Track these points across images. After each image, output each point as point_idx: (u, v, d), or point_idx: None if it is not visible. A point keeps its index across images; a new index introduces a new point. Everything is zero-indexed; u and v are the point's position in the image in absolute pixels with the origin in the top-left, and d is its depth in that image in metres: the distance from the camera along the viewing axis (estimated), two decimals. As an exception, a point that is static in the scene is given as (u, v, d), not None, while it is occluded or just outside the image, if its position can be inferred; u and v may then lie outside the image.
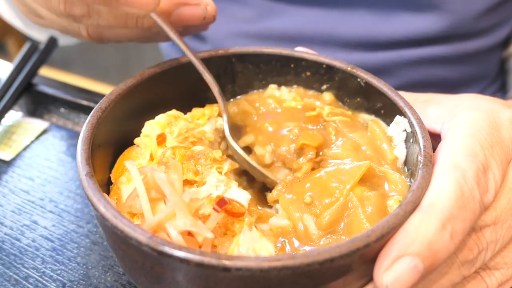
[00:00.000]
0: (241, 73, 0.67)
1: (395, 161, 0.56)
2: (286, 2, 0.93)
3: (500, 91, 1.07)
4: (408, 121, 0.54)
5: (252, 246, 0.47)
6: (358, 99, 0.63)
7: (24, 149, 0.83)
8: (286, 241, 0.52)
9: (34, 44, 0.95)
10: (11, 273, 0.62)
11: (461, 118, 0.52)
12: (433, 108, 0.57)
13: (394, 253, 0.42)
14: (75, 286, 0.61)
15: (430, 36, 0.89)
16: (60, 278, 0.62)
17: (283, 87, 0.67)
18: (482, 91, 1.02)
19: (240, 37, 0.98)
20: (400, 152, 0.56)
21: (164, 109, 0.62)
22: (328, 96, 0.66)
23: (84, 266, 0.63)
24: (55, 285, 0.61)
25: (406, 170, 0.56)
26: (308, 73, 0.65)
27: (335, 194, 0.52)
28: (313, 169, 0.58)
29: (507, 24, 0.95)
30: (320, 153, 0.59)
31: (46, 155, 0.81)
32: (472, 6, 0.87)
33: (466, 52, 0.93)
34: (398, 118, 0.57)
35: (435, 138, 0.54)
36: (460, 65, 0.96)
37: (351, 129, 0.60)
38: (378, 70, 0.91)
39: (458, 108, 0.54)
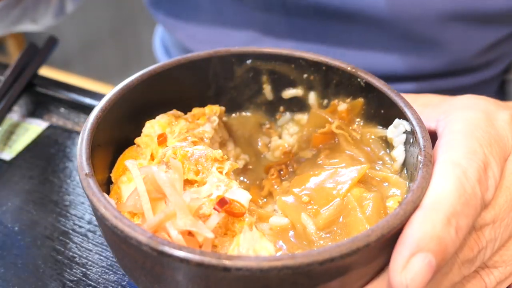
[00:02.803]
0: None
1: (394, 163, 0.56)
2: (282, 36, 0.92)
3: None
4: (408, 121, 0.54)
5: (252, 246, 0.47)
6: (359, 99, 0.63)
7: (24, 149, 0.83)
8: (284, 240, 0.52)
9: (34, 44, 0.95)
10: (11, 273, 0.62)
11: (457, 116, 0.52)
12: (431, 111, 0.57)
13: (407, 252, 0.41)
14: (75, 286, 0.61)
15: (427, 72, 0.89)
16: (60, 278, 0.62)
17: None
18: None
19: None
20: (399, 154, 0.56)
21: (164, 109, 0.62)
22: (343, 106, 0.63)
23: (84, 266, 0.63)
24: (55, 285, 0.61)
25: (405, 172, 0.56)
26: (308, 73, 0.65)
27: (333, 194, 0.53)
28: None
29: (506, 58, 0.95)
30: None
31: (46, 155, 0.81)
32: (471, 46, 0.86)
33: (463, 85, 0.93)
34: (397, 121, 0.57)
35: (430, 136, 0.54)
36: (458, 94, 0.96)
37: (352, 143, 0.60)
38: None
39: (453, 106, 0.55)
